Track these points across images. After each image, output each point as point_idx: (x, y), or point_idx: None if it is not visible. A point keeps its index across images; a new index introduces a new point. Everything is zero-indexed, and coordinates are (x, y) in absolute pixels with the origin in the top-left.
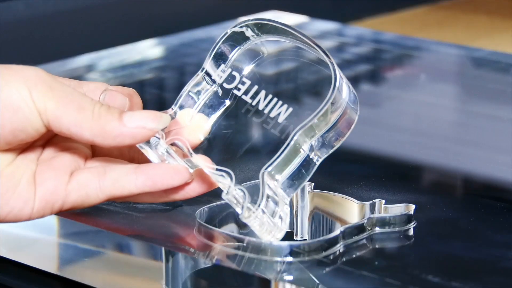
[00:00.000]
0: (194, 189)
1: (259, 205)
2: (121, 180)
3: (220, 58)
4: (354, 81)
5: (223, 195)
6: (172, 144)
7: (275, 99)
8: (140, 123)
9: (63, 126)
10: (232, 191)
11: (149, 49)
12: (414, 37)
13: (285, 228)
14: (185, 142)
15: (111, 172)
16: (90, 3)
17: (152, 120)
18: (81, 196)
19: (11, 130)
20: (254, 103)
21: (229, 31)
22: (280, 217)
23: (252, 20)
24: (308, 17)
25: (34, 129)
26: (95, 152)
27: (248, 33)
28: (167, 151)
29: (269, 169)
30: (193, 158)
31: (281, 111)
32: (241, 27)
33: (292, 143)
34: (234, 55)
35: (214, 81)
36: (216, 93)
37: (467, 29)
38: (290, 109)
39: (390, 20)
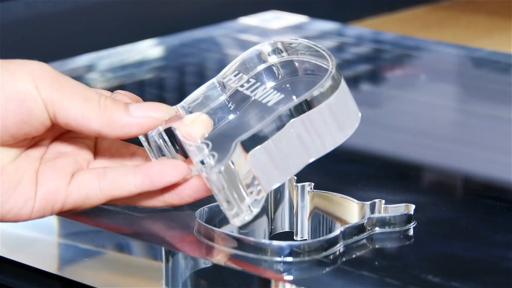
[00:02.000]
0: (190, 195)
1: (221, 165)
2: (119, 180)
3: (239, 73)
4: (354, 81)
5: (194, 160)
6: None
7: (274, 91)
8: (146, 112)
9: (70, 117)
10: (204, 156)
11: (149, 49)
12: (414, 37)
13: (249, 210)
14: (181, 128)
15: (111, 173)
16: (90, 3)
17: (157, 109)
18: (81, 197)
19: (15, 123)
20: (254, 95)
21: (255, 49)
22: (246, 195)
23: (280, 40)
24: (308, 17)
25: (39, 122)
26: (98, 154)
27: (272, 52)
28: (163, 139)
29: (244, 137)
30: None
31: (274, 98)
32: (269, 45)
33: (274, 120)
34: (255, 72)
35: (224, 91)
36: (223, 103)
37: (467, 29)
38: (282, 95)
39: (390, 20)
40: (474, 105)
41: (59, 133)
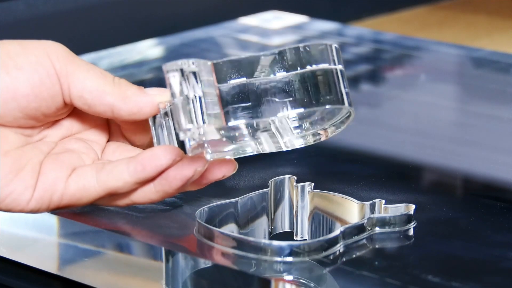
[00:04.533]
0: (175, 176)
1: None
2: (114, 170)
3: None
4: (354, 81)
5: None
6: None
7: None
8: (159, 92)
9: (85, 89)
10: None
11: (149, 49)
12: (414, 37)
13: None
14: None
15: (108, 165)
16: (90, 3)
17: (166, 90)
18: (79, 189)
19: (26, 94)
20: None
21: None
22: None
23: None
24: (308, 17)
25: (50, 95)
26: (104, 157)
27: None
28: (167, 118)
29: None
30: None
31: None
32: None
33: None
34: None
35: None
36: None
37: (467, 29)
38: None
39: (390, 20)
40: (474, 105)
41: (69, 132)
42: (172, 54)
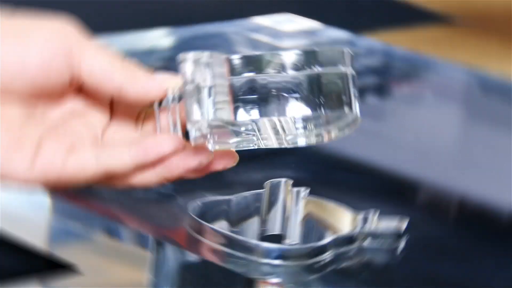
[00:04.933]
0: (178, 165)
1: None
2: (115, 152)
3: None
4: (360, 92)
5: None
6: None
7: None
8: (168, 77)
9: (95, 65)
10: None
11: (159, 38)
12: (425, 56)
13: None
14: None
15: (109, 146)
16: None
17: (175, 77)
18: (78, 167)
19: (34, 69)
20: None
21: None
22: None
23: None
24: (321, 23)
25: (59, 72)
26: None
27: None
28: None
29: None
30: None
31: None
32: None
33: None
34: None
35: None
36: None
37: (480, 53)
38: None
39: (404, 36)
40: (477, 130)
41: (71, 112)
42: (182, 46)
